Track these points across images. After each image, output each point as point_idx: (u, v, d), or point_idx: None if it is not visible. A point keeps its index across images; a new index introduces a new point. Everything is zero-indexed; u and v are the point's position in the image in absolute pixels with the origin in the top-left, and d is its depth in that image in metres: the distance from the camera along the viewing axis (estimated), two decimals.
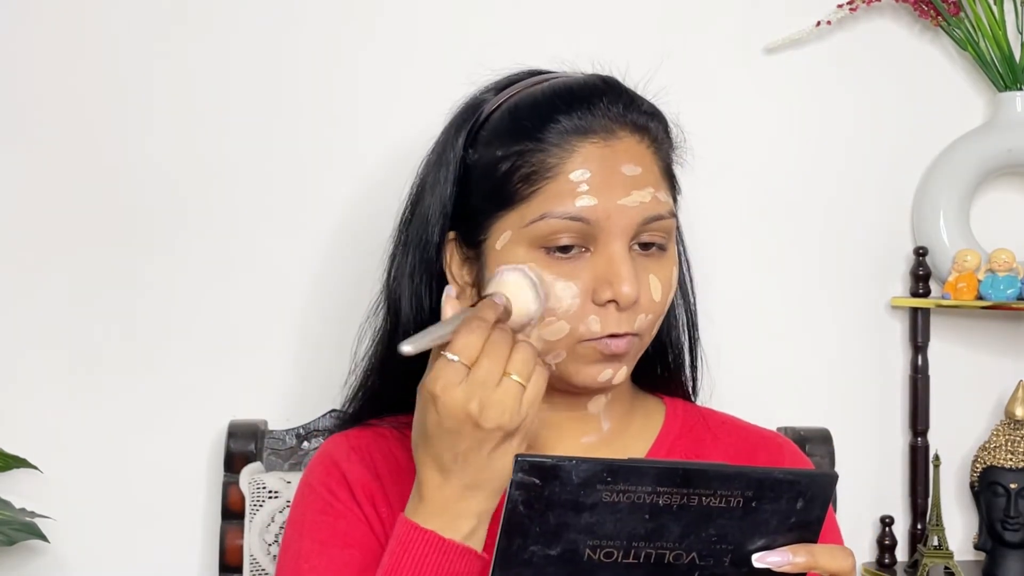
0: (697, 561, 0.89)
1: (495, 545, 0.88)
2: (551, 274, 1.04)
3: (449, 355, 0.97)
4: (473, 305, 1.04)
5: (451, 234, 1.12)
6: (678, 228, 1.18)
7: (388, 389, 1.19)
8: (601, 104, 1.07)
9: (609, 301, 1.04)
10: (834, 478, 0.89)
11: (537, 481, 0.86)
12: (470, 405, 0.96)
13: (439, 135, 1.16)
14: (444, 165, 1.12)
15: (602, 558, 0.88)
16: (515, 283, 1.04)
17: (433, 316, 1.13)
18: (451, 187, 1.11)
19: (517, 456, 0.85)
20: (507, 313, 1.02)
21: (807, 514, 0.89)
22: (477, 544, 0.99)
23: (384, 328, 1.19)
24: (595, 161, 1.05)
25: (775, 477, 0.88)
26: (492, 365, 0.97)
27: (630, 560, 0.88)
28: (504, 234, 1.06)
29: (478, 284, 1.10)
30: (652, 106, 1.12)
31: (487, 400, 0.96)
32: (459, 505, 0.99)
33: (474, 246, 1.10)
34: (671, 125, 1.14)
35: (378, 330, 1.20)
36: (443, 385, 0.97)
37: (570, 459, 0.85)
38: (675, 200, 1.14)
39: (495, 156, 1.08)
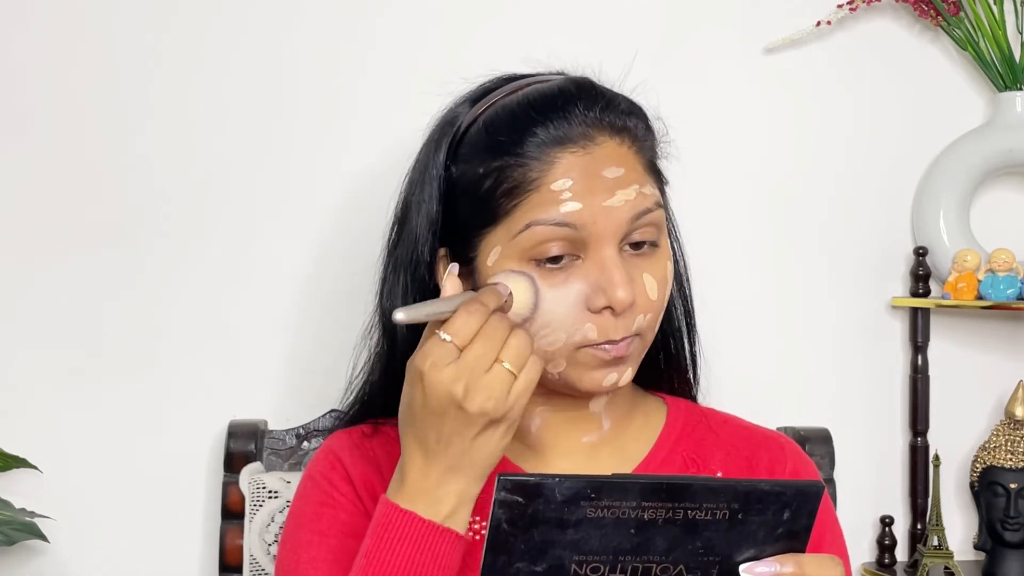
0: (685, 573, 0.90)
1: (481, 561, 0.89)
2: (544, 284, 1.04)
3: (442, 334, 0.97)
4: (474, 290, 1.03)
5: (442, 251, 1.11)
6: (670, 221, 1.17)
7: (388, 414, 1.18)
8: (577, 110, 1.06)
9: (604, 307, 1.04)
10: (820, 488, 0.90)
11: (520, 499, 0.86)
12: (455, 387, 0.96)
13: (419, 151, 1.14)
14: (428, 183, 1.11)
15: (588, 572, 0.88)
16: (517, 280, 1.04)
17: None
18: (436, 204, 1.10)
19: (500, 475, 0.86)
20: (508, 304, 1.02)
21: (794, 524, 0.90)
22: (458, 525, 0.99)
23: (381, 349, 1.17)
24: (576, 169, 1.04)
25: (761, 489, 0.88)
26: (485, 350, 0.97)
27: (616, 574, 0.88)
28: (494, 250, 1.06)
29: None
30: (629, 103, 1.10)
31: (474, 384, 0.96)
32: (440, 489, 0.99)
33: (465, 263, 1.09)
34: (652, 119, 1.12)
35: (374, 350, 1.19)
36: (432, 363, 0.97)
37: (553, 476, 0.86)
38: (663, 192, 1.12)
39: (476, 174, 1.07)
